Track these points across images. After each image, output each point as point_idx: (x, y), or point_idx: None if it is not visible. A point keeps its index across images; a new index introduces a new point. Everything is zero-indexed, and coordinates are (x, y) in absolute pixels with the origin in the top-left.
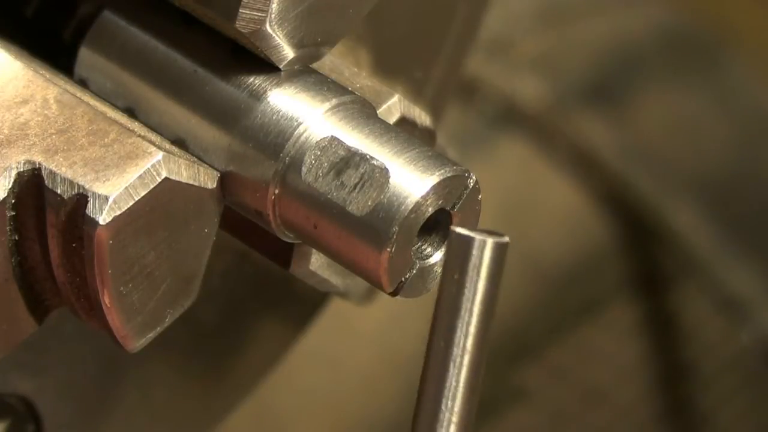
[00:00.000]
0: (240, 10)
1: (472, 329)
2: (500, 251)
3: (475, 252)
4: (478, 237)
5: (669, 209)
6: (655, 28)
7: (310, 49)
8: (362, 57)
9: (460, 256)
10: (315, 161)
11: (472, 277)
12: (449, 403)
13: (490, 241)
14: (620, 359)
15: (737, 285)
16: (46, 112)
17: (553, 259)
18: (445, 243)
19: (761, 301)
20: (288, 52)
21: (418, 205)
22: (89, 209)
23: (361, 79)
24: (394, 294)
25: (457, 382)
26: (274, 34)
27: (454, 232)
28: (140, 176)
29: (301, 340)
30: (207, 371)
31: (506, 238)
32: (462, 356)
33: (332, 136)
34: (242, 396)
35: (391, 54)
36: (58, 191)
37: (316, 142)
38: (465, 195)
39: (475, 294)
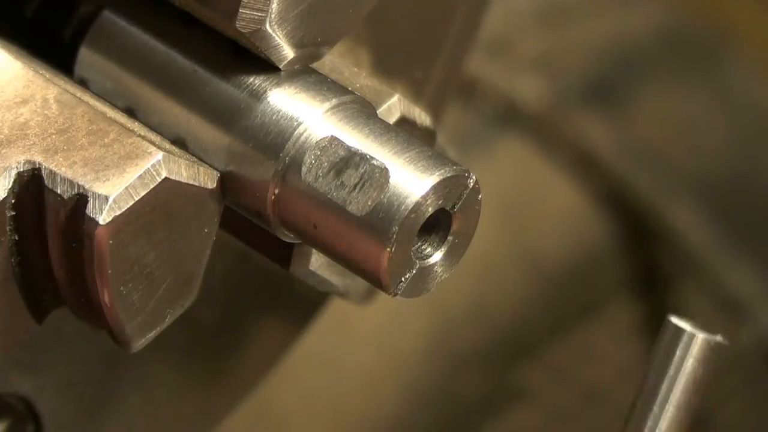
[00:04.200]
0: (240, 10)
1: (667, 419)
2: (710, 349)
3: (682, 344)
4: (689, 330)
5: (669, 209)
6: (655, 28)
7: (310, 49)
8: (362, 57)
9: (667, 344)
10: (315, 161)
11: (675, 368)
12: None
13: (700, 337)
14: (620, 359)
15: (737, 285)
16: (46, 112)
17: (553, 259)
18: (445, 245)
19: (761, 301)
20: (288, 52)
21: (418, 205)
22: (89, 209)
23: (361, 79)
24: (394, 294)
25: None
26: (274, 34)
27: (670, 321)
28: (140, 176)
29: (301, 340)
30: (207, 371)
31: (719, 337)
32: None
33: (332, 136)
34: (242, 396)
35: (391, 54)
36: (58, 191)
37: (316, 142)
38: (465, 195)
39: (674, 385)
